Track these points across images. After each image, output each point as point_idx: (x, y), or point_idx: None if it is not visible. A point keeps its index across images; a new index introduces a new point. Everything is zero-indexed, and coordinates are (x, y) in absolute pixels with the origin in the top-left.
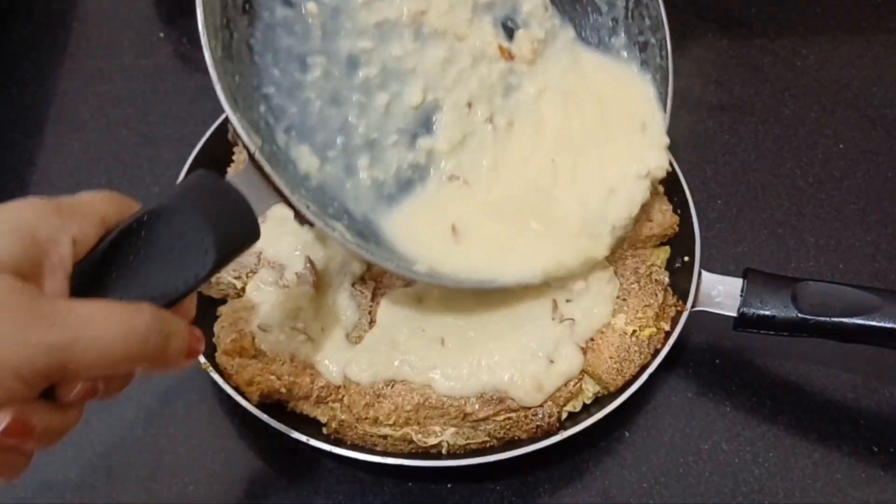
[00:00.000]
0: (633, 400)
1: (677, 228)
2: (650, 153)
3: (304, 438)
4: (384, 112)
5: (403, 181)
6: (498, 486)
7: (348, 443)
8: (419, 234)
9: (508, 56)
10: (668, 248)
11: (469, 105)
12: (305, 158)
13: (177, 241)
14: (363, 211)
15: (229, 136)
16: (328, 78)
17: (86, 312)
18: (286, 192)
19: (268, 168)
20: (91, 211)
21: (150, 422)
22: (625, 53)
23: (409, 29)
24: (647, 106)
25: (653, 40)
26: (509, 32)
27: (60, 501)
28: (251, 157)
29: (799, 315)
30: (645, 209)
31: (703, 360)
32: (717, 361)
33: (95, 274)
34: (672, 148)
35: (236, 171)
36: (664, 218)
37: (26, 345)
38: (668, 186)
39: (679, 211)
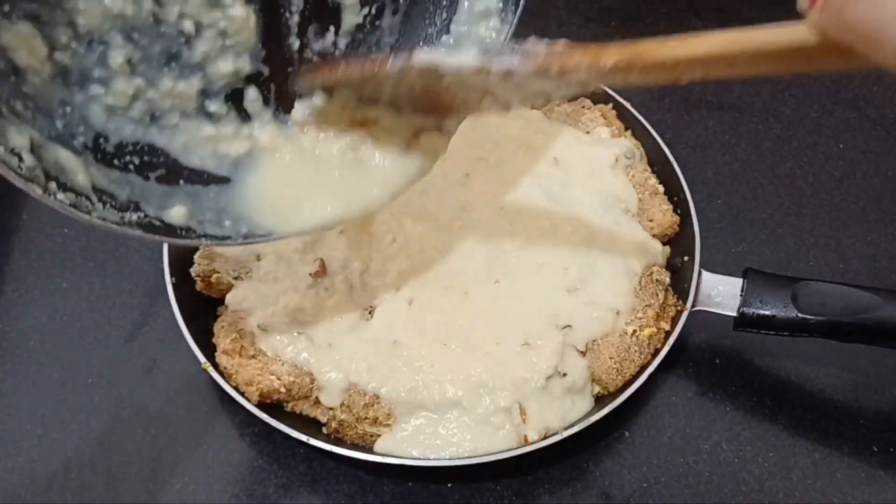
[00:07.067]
0: (633, 400)
1: (677, 228)
2: None
3: (304, 438)
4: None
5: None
6: (498, 486)
7: (348, 443)
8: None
9: None
10: (668, 248)
11: None
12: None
13: None
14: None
15: None
16: None
17: None
18: None
19: None
20: None
21: (149, 422)
22: None
23: None
24: None
25: None
26: None
27: (61, 501)
28: None
29: (799, 315)
30: (645, 209)
31: (703, 360)
32: (717, 361)
33: None
34: (672, 148)
35: None
36: (664, 218)
37: None
38: (668, 186)
39: (679, 211)
